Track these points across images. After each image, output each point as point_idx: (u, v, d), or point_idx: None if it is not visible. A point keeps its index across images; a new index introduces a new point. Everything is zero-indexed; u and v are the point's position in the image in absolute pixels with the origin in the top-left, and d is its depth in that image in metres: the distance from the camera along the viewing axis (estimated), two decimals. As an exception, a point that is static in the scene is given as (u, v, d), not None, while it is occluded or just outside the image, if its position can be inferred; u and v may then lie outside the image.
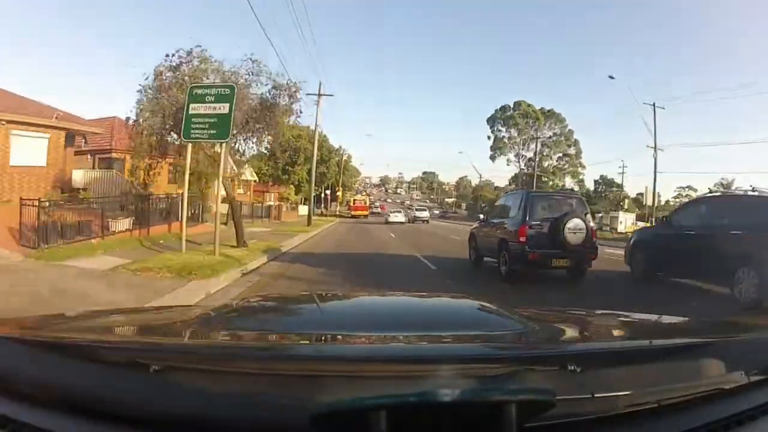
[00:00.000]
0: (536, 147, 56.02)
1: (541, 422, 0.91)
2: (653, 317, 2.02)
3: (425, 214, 48.95)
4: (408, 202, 73.93)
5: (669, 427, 1.04)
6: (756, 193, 8.22)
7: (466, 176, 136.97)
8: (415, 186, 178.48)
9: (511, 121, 62.47)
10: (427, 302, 2.22)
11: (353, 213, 51.32)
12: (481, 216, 13.64)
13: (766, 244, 7.06)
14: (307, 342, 1.39)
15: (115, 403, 0.97)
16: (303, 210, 43.91)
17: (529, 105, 62.46)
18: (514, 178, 62.55)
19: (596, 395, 1.00)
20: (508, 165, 64.73)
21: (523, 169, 61.44)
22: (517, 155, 63.87)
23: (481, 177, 63.68)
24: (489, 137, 64.75)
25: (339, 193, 63.43)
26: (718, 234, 7.86)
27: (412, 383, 0.96)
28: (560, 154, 62.49)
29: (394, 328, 1.49)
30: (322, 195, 46.36)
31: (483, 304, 1.91)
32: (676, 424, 1.04)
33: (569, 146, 62.40)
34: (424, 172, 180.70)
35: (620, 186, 59.37)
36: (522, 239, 9.06)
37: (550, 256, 9.05)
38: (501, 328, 1.53)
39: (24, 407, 1.00)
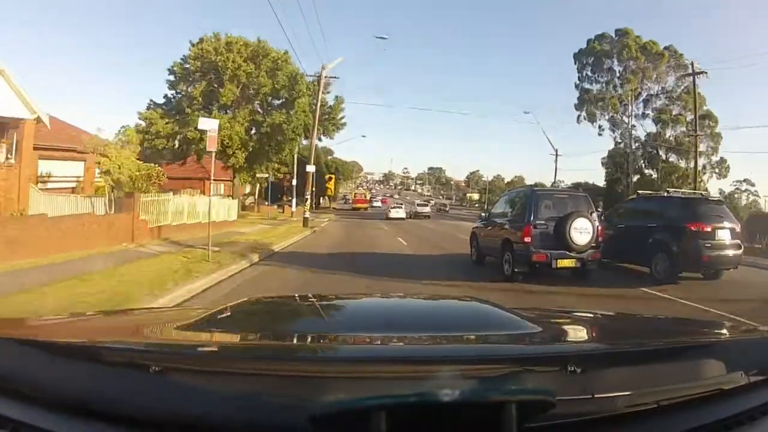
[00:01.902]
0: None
1: (542, 422, 0.92)
2: (653, 317, 2.03)
3: (426, 209, 47.18)
4: (433, 201, 70.09)
5: (669, 427, 1.04)
6: (667, 195, 10.99)
7: (477, 171, 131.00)
8: (422, 182, 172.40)
9: (621, 54, 35.40)
10: (427, 303, 2.23)
11: (354, 205, 58.06)
12: (483, 214, 13.28)
13: (672, 235, 9.45)
14: (307, 342, 1.40)
15: (115, 403, 0.97)
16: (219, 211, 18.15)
17: (638, 36, 35.71)
18: (619, 156, 36.77)
19: (596, 395, 1.01)
20: (600, 134, 38.07)
21: (619, 143, 37.22)
22: (611, 119, 37.16)
23: (557, 153, 37.99)
24: (576, 85, 38.56)
25: (324, 179, 47.44)
26: (640, 227, 10.35)
27: (412, 384, 0.96)
28: (690, 117, 31.54)
29: (393, 329, 1.49)
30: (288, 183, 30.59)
31: (483, 304, 1.91)
32: (676, 424, 1.04)
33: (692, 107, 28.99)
34: (430, 168, 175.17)
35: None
36: (527, 239, 8.84)
37: (555, 257, 8.82)
38: (501, 329, 1.53)
39: (24, 407, 1.00)
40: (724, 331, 1.83)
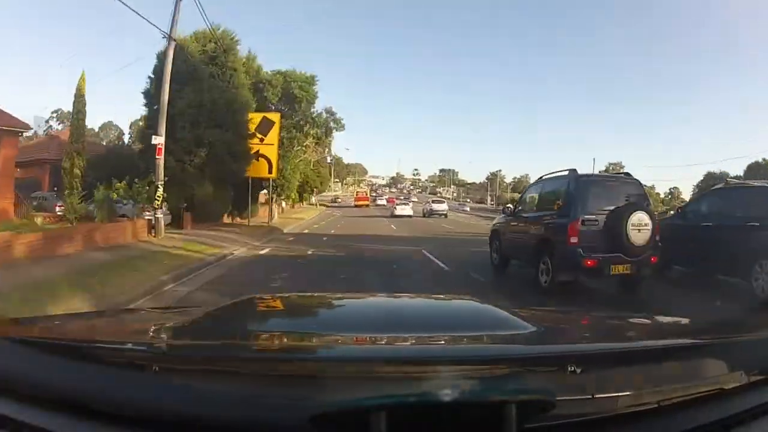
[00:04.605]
0: None
1: (541, 423, 0.92)
2: (653, 318, 2.02)
3: (443, 207, 41.90)
4: (469, 206, 66.09)
5: (669, 427, 1.04)
6: None
7: (499, 170, 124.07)
8: (434, 183, 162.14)
9: None
10: (428, 303, 2.22)
11: (356, 203, 58.77)
12: (509, 207, 10.43)
13: None
14: (307, 342, 1.40)
15: (115, 403, 0.97)
16: None
17: None
18: None
19: (596, 396, 1.01)
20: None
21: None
22: None
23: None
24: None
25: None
26: (736, 226, 7.58)
27: (412, 384, 0.97)
28: None
29: (394, 329, 1.49)
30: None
31: (483, 304, 1.91)
32: (676, 424, 1.04)
33: None
34: (442, 170, 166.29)
35: None
36: (573, 239, 6.91)
37: (608, 262, 6.90)
38: (501, 329, 1.53)
39: (24, 407, 1.01)
40: (725, 330, 1.81)
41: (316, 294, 2.24)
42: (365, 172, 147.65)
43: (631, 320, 2.03)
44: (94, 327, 1.70)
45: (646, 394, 1.05)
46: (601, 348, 1.35)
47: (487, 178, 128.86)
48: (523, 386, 0.99)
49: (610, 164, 74.45)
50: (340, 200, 77.47)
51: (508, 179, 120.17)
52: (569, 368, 1.02)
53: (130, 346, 1.29)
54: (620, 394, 1.02)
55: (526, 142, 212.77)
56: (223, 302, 2.09)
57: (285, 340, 1.44)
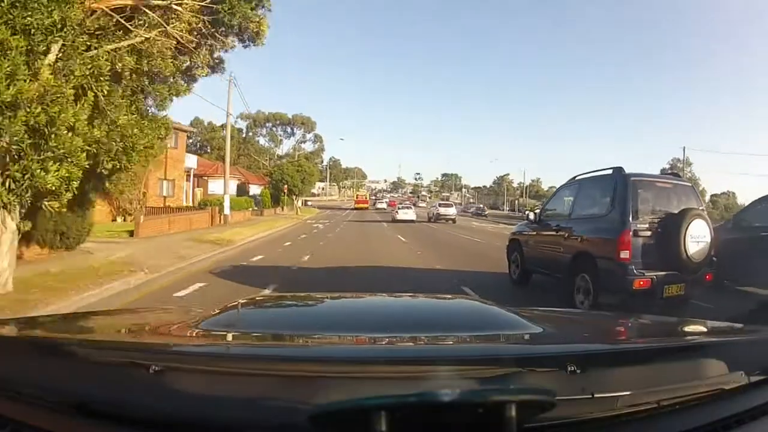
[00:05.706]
0: None
1: (542, 422, 0.92)
2: (653, 318, 2.03)
3: (451, 211, 38.65)
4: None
5: (669, 427, 1.04)
6: None
7: (507, 174, 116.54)
8: (438, 189, 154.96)
9: None
10: (428, 303, 2.22)
11: (356, 206, 62.76)
12: (531, 214, 8.51)
13: None
14: (307, 342, 1.40)
15: (115, 403, 0.98)
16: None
17: None
18: None
19: (596, 395, 1.01)
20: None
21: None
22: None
23: None
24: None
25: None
26: None
27: (412, 384, 0.97)
28: None
29: (394, 329, 1.49)
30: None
31: (484, 304, 1.92)
32: (676, 424, 1.04)
33: None
34: (444, 174, 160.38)
35: None
36: (624, 255, 5.56)
37: (662, 282, 5.57)
38: (501, 329, 1.53)
39: (24, 407, 1.01)
40: (725, 331, 1.82)
41: (315, 294, 2.24)
42: (364, 176, 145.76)
43: (631, 320, 2.03)
44: (94, 327, 1.71)
45: (646, 394, 1.05)
46: (601, 348, 1.35)
47: (495, 182, 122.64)
48: (523, 386, 0.99)
49: (674, 159, 57.51)
50: (311, 204, 65.25)
51: (515, 184, 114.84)
52: (569, 368, 1.02)
53: (129, 346, 1.29)
54: (620, 394, 1.02)
55: (531, 146, 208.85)
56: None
57: (285, 340, 1.44)
